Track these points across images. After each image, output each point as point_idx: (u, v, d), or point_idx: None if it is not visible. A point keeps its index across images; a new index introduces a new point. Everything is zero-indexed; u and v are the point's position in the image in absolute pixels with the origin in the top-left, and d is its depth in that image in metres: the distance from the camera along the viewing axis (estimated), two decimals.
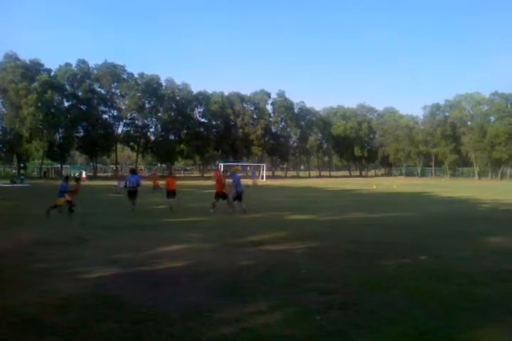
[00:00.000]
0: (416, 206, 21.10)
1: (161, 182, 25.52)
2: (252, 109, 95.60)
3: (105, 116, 79.50)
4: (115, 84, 78.29)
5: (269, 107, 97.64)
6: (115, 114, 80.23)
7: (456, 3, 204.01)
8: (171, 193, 18.68)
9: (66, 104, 75.62)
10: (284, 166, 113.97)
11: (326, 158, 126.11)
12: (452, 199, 25.96)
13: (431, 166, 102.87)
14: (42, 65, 71.39)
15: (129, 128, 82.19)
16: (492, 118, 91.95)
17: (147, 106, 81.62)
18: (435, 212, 17.88)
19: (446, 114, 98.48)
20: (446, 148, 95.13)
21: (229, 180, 18.11)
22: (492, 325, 4.80)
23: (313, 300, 5.62)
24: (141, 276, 6.98)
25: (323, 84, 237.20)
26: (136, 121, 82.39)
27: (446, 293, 5.97)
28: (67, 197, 15.62)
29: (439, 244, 10.08)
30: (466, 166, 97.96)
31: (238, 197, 17.14)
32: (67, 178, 16.68)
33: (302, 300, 5.66)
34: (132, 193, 17.99)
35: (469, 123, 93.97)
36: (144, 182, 22.09)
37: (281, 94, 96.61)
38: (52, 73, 73.26)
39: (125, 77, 78.97)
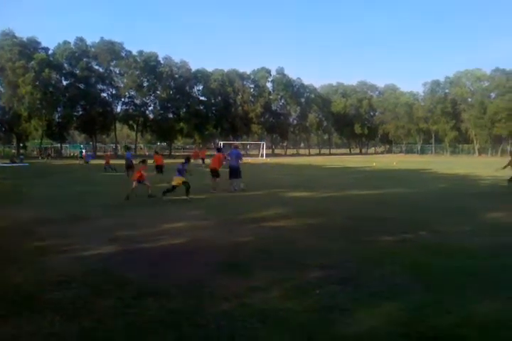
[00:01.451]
0: (415, 183, 21.09)
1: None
2: (252, 86, 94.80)
3: (104, 94, 78.63)
4: (113, 62, 77.24)
5: (268, 85, 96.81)
6: (114, 92, 79.41)
7: None
8: (159, 168, 22.39)
9: (64, 82, 74.65)
10: (284, 144, 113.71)
11: (326, 136, 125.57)
12: (452, 176, 25.95)
13: (431, 143, 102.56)
14: (39, 43, 70.47)
15: (127, 107, 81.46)
16: (492, 95, 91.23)
17: (146, 84, 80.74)
18: (435, 189, 17.89)
19: (447, 90, 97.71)
20: (446, 125, 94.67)
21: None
22: (489, 299, 4.82)
23: (312, 275, 5.65)
24: (141, 253, 7.00)
25: (324, 62, 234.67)
26: (135, 100, 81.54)
27: (444, 268, 5.99)
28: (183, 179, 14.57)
29: (438, 220, 10.11)
30: (466, 143, 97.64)
31: (232, 173, 17.01)
32: (188, 159, 15.79)
33: (301, 275, 5.69)
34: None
35: (469, 99, 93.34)
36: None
37: (280, 71, 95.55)
38: (51, 51, 72.23)
39: (123, 54, 77.83)
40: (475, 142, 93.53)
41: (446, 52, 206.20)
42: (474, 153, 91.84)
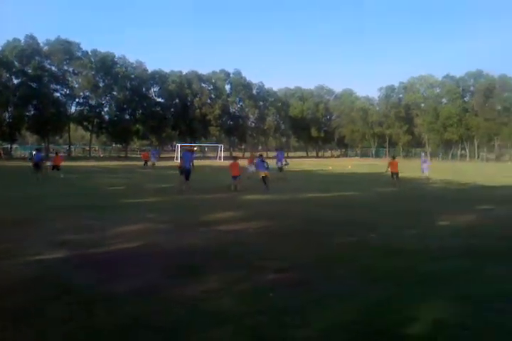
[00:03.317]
0: (369, 186, 21.58)
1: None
2: (211, 88, 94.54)
3: (57, 94, 76.58)
4: (67, 61, 75.38)
5: (227, 87, 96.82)
6: (68, 92, 77.44)
7: None
8: (56, 167, 26.06)
9: (15, 81, 72.31)
10: (242, 147, 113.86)
11: (284, 139, 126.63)
12: (404, 180, 26.64)
13: (385, 147, 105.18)
14: None
15: (82, 108, 79.58)
16: (444, 100, 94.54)
17: (101, 84, 79.21)
18: (387, 192, 18.37)
19: (401, 95, 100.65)
20: (400, 130, 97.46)
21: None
22: (436, 298, 4.98)
23: (266, 278, 5.68)
24: (94, 257, 6.82)
25: (282, 66, 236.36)
26: (90, 100, 79.75)
27: (395, 269, 6.15)
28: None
29: (388, 222, 10.37)
30: (419, 147, 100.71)
31: (186, 175, 17.85)
32: (261, 156, 21.38)
33: (255, 278, 5.71)
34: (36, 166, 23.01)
35: (422, 105, 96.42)
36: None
37: (238, 74, 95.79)
38: None
39: (79, 54, 76.18)
40: (427, 146, 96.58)
41: (402, 57, 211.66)
42: (426, 157, 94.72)
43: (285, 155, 29.09)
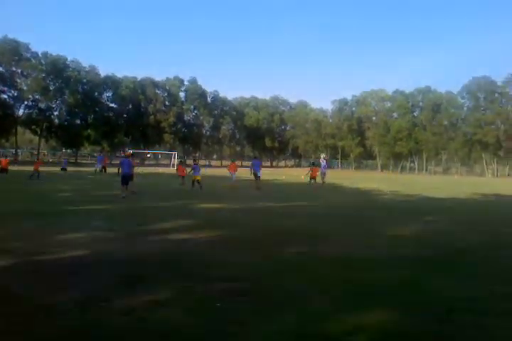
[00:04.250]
0: (321, 196, 21.83)
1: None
2: (165, 95, 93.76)
3: (4, 96, 73.89)
4: (15, 62, 72.74)
5: (182, 94, 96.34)
6: (16, 94, 74.79)
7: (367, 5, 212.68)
8: (3, 171, 27.73)
9: None
10: (197, 155, 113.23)
11: (239, 148, 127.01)
12: (356, 190, 27.22)
13: (338, 158, 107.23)
14: None
15: (31, 111, 77.01)
16: (395, 115, 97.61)
17: (52, 87, 76.95)
18: (338, 202, 18.62)
19: (353, 108, 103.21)
20: (352, 142, 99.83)
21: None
22: (383, 308, 5.03)
23: (214, 288, 5.57)
24: (35, 266, 6.51)
25: (237, 75, 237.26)
26: (40, 104, 77.29)
27: (343, 279, 6.18)
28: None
29: (338, 232, 10.48)
30: (370, 159, 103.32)
31: (124, 180, 17.90)
32: (195, 161, 26.38)
33: (203, 288, 5.60)
34: None
35: (374, 118, 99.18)
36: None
37: (193, 81, 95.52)
38: None
39: (28, 55, 73.73)
40: (378, 158, 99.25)
41: (355, 71, 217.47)
42: (377, 169, 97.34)
43: (239, 164, 29.42)
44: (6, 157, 28.46)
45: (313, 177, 27.25)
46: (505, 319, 4.81)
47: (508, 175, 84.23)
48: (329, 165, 29.92)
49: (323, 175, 29.62)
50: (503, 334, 4.39)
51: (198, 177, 22.42)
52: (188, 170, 24.88)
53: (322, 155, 37.34)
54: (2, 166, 27.60)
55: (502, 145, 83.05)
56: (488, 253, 8.47)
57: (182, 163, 27.53)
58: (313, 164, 29.02)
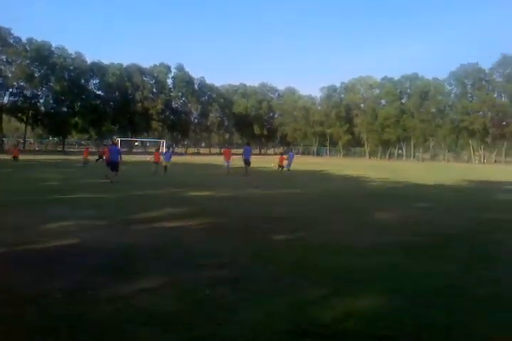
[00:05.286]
0: (309, 183, 21.90)
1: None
2: (152, 82, 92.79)
3: None
4: None
5: (169, 81, 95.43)
6: (0, 81, 73.52)
7: None
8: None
9: None
10: (185, 142, 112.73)
11: (227, 136, 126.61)
12: (344, 177, 27.33)
13: (326, 146, 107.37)
14: None
15: (16, 98, 75.69)
16: (383, 102, 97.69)
17: (37, 74, 75.69)
18: (327, 189, 18.68)
19: (342, 95, 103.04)
20: (340, 129, 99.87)
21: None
22: (371, 293, 5.07)
23: (203, 276, 5.58)
24: (21, 256, 6.45)
25: (224, 61, 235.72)
26: (25, 91, 76.02)
27: (332, 266, 6.21)
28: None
29: (327, 219, 10.52)
30: (359, 146, 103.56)
31: (113, 167, 19.36)
32: (170, 147, 32.40)
33: (192, 275, 5.60)
34: None
35: (362, 105, 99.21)
36: None
37: (180, 68, 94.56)
38: None
39: (11, 41, 72.28)
40: (366, 145, 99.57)
41: (343, 57, 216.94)
42: (365, 156, 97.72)
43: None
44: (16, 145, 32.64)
45: (281, 165, 30.23)
46: (491, 303, 4.88)
47: (495, 162, 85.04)
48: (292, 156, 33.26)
49: (289, 163, 31.90)
50: (490, 318, 4.45)
51: (167, 163, 25.64)
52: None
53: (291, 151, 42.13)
54: (14, 155, 31.66)
55: (489, 132, 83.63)
56: (476, 238, 8.57)
57: (157, 150, 29.05)
58: (281, 154, 32.49)
